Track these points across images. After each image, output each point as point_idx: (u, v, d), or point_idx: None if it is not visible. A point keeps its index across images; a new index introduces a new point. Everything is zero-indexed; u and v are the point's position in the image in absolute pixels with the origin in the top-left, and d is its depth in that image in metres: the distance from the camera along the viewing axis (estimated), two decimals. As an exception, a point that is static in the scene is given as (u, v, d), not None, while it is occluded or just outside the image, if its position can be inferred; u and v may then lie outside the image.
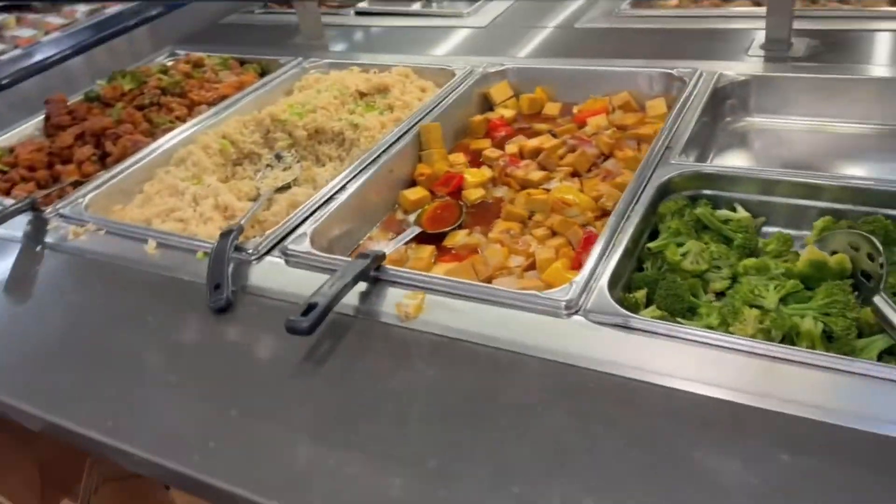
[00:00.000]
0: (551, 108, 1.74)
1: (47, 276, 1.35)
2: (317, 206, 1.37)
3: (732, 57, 1.70)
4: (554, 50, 1.94)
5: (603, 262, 1.09)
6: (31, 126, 1.96)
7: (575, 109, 1.71)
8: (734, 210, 1.23)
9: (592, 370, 0.92)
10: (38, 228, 1.46)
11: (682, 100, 1.51)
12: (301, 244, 1.26)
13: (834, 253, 1.05)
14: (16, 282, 1.35)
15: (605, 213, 1.32)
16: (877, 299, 0.94)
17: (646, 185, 1.25)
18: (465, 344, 1.01)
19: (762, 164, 1.47)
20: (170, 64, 2.19)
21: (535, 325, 1.01)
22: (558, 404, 0.89)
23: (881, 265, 0.98)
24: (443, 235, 1.37)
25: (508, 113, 1.74)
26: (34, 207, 1.50)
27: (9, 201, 1.57)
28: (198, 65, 2.12)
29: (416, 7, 2.48)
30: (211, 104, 1.95)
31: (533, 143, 1.57)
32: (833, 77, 1.53)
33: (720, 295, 1.11)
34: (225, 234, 1.25)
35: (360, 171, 1.47)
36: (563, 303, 1.02)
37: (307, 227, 1.30)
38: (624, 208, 1.20)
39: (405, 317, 1.06)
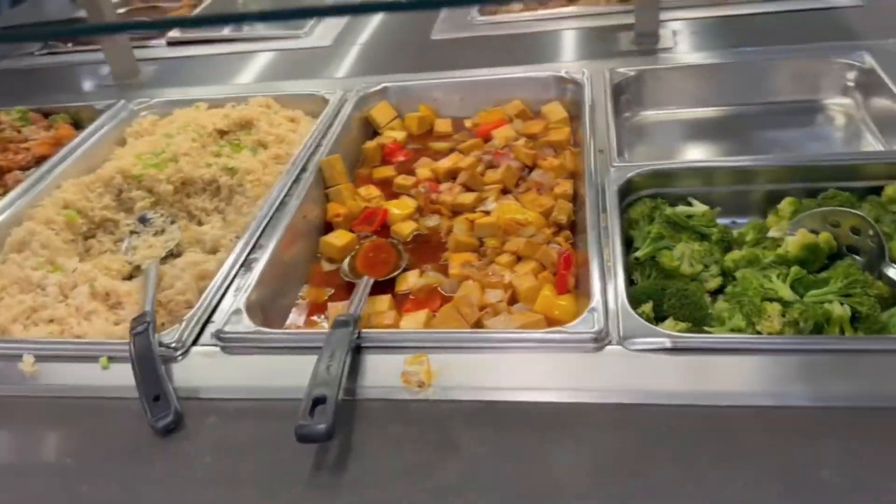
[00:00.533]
0: (442, 125, 1.62)
1: None
2: (233, 272, 1.12)
3: (607, 54, 1.71)
4: (420, 64, 1.81)
5: (609, 282, 0.99)
6: None
7: (468, 123, 1.61)
8: (690, 205, 1.21)
9: (675, 406, 0.82)
10: None
11: (585, 101, 1.48)
12: (239, 323, 1.01)
13: (814, 232, 1.06)
14: None
15: (560, 228, 1.24)
16: (890, 271, 0.95)
17: (602, 192, 1.19)
18: (503, 405, 0.85)
19: (673, 155, 1.47)
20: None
21: (570, 366, 0.89)
22: (687, 453, 0.76)
23: (874, 236, 1.00)
24: (389, 281, 1.19)
25: (399, 135, 1.59)
26: None
27: None
28: (-10, 122, 1.70)
29: (237, 32, 2.22)
30: (25, 168, 1.57)
31: (444, 164, 1.45)
32: (711, 63, 1.59)
33: (714, 294, 1.07)
34: (139, 330, 0.97)
35: (268, 223, 1.24)
36: (592, 335, 0.91)
37: (237, 301, 1.06)
38: (594, 219, 1.12)
39: (419, 386, 0.88)
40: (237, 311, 1.03)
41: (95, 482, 0.83)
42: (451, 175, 1.43)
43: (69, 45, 2.29)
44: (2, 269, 1.21)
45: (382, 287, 1.17)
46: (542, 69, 1.67)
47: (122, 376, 0.95)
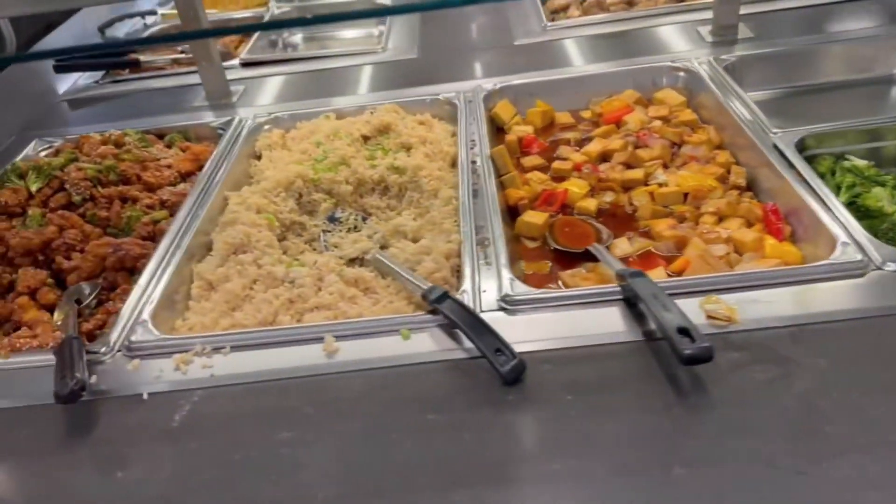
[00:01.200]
0: (562, 118, 1.74)
1: (192, 448, 0.96)
2: (474, 251, 1.20)
3: (694, 46, 1.88)
4: (520, 66, 1.93)
5: (840, 222, 1.13)
6: None
7: (587, 114, 1.74)
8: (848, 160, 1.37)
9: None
10: (114, 374, 1.05)
11: (709, 83, 1.63)
12: (520, 289, 1.09)
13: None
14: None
15: (741, 189, 1.37)
16: None
17: (779, 152, 1.33)
18: (815, 327, 0.97)
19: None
20: (53, 149, 1.72)
21: (849, 290, 1.02)
22: None
23: None
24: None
25: (528, 129, 1.69)
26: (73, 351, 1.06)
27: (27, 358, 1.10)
28: (118, 144, 1.69)
29: (308, 51, 2.28)
30: (173, 184, 1.58)
31: (594, 147, 1.56)
32: (802, 46, 1.78)
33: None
34: (436, 297, 1.03)
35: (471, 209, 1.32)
36: (857, 263, 1.04)
37: (503, 273, 1.13)
38: (788, 175, 1.26)
39: (726, 321, 0.99)
40: (511, 279, 1.11)
41: (472, 430, 0.89)
42: (602, 158, 1.54)
43: (126, 72, 2.29)
44: (233, 270, 1.24)
45: (584, 257, 1.27)
46: (643, 62, 1.81)
47: (425, 343, 1.02)
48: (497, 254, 1.18)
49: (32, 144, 1.80)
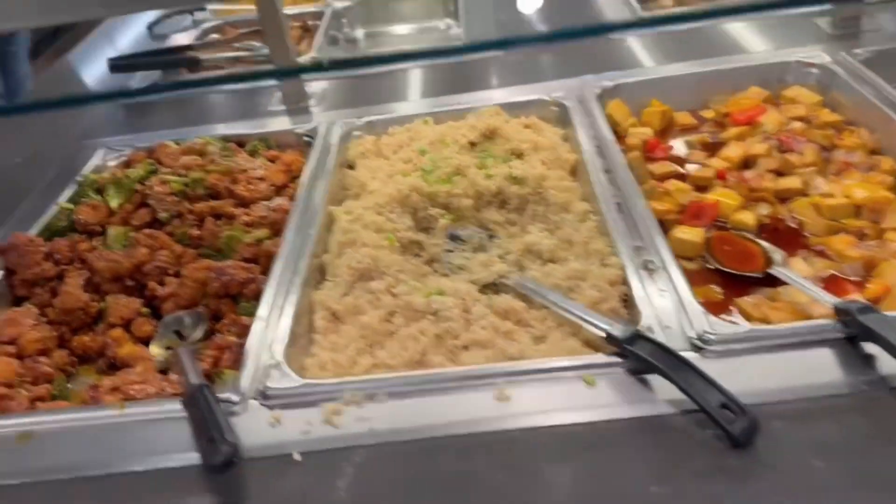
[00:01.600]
0: (682, 118, 1.59)
1: None
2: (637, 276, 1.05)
3: (813, 39, 1.72)
4: (619, 61, 1.78)
5: None
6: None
7: (708, 114, 1.59)
8: None
9: None
10: (253, 428, 0.90)
11: (844, 79, 1.48)
12: (721, 325, 0.95)
13: None
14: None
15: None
16: None
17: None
18: None
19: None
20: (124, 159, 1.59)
21: None
22: None
23: None
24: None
25: (647, 131, 1.54)
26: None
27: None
28: (201, 153, 1.55)
29: (381, 49, 2.13)
30: (267, 198, 1.44)
31: (734, 152, 1.41)
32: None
33: None
34: (628, 336, 0.89)
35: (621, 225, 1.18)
36: None
37: (686, 303, 0.98)
38: None
39: None
40: (705, 314, 0.96)
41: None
42: (743, 165, 1.39)
43: (182, 73, 2.14)
44: (362, 299, 1.10)
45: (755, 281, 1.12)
46: (765, 57, 1.66)
47: (614, 393, 0.88)
48: (673, 280, 1.03)
49: (101, 154, 1.66)
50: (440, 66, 1.94)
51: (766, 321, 1.02)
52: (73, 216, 1.39)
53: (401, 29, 2.48)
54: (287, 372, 0.98)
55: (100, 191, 1.44)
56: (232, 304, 1.24)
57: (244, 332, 1.16)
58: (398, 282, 1.12)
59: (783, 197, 1.30)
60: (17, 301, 1.29)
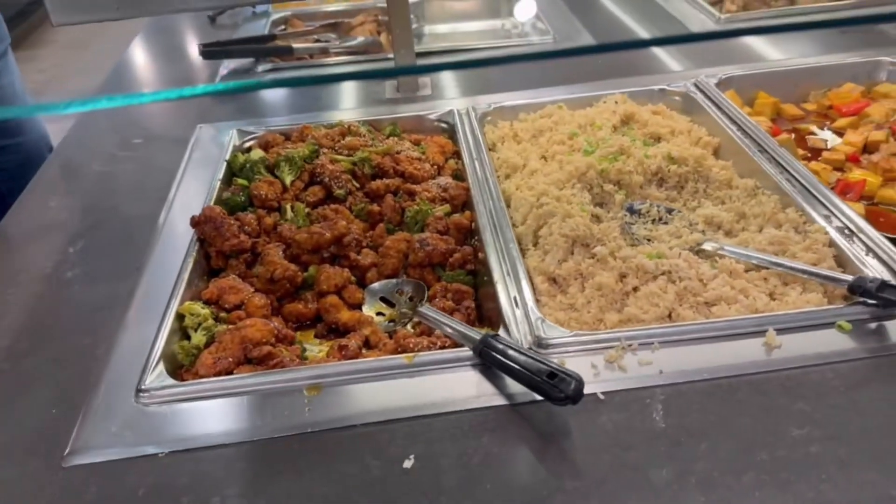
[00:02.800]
0: (790, 110, 1.73)
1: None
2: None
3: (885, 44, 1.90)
4: (715, 58, 1.91)
5: None
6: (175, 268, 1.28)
7: (810, 107, 1.74)
8: None
9: None
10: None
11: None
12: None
13: None
14: None
15: None
16: None
17: None
18: None
19: None
20: (259, 140, 1.61)
21: None
22: None
23: None
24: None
25: (764, 119, 1.68)
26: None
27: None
28: (355, 134, 1.59)
29: (477, 42, 2.20)
30: (432, 177, 1.50)
31: (856, 138, 1.56)
32: None
33: None
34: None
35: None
36: None
37: (897, 261, 1.11)
38: None
39: None
40: (920, 267, 1.09)
41: None
42: (864, 149, 1.55)
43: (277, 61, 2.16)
44: (585, 264, 1.18)
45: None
46: (858, 55, 1.83)
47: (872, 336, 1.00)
48: (874, 240, 1.16)
49: (234, 134, 1.67)
50: (537, 63, 2.03)
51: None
52: (251, 192, 1.41)
53: (466, 26, 2.56)
54: (552, 325, 1.05)
55: (270, 169, 1.47)
56: (433, 272, 1.29)
57: (461, 297, 1.22)
58: (618, 247, 1.20)
59: (923, 179, 1.45)
60: (213, 272, 1.31)
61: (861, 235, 1.18)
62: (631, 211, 1.37)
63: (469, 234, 1.36)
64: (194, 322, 1.13)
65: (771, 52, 1.93)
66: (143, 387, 0.99)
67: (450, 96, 1.86)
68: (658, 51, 2.01)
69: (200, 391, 0.99)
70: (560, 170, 1.43)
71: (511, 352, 0.93)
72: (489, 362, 0.96)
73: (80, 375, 1.03)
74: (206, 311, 1.15)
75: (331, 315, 1.22)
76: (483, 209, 1.34)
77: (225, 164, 1.54)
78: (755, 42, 2.00)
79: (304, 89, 1.98)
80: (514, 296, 1.12)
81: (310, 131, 1.61)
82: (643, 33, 2.16)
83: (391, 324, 1.22)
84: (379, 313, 1.25)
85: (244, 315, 1.17)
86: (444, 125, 1.70)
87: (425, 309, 1.14)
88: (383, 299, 1.28)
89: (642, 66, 1.92)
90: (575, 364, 0.99)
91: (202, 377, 1.03)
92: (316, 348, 1.19)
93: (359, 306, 1.26)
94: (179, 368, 1.09)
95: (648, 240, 1.30)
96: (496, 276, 1.16)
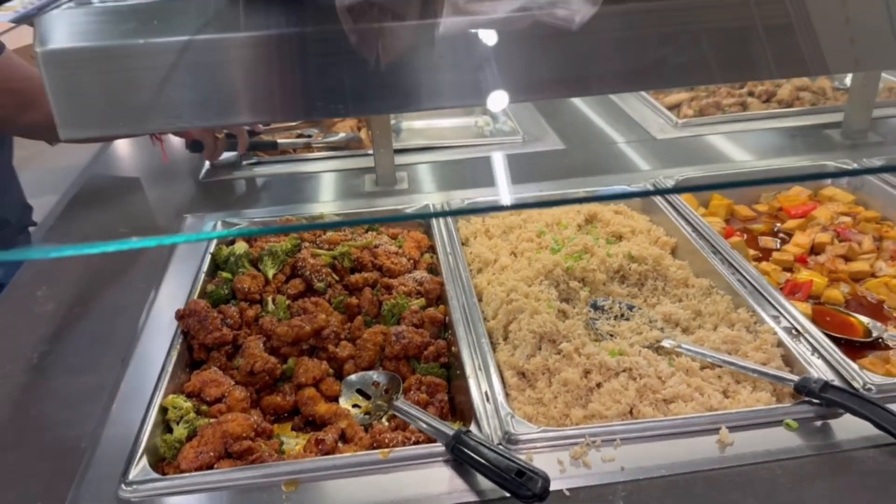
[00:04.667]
0: (742, 211, 1.86)
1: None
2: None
3: (828, 148, 2.07)
4: (675, 160, 2.05)
5: None
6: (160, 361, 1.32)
7: (761, 208, 1.87)
8: None
9: None
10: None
11: (871, 182, 1.81)
12: (868, 377, 1.16)
13: None
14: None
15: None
16: None
17: None
18: None
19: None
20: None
21: None
22: None
23: None
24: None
25: (717, 220, 1.80)
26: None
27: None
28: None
29: (451, 140, 2.33)
30: (408, 271, 1.58)
31: (803, 240, 1.68)
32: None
33: None
34: (814, 387, 1.09)
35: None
36: None
37: None
38: None
39: None
40: (862, 369, 1.18)
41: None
42: (810, 251, 1.67)
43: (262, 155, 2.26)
44: (552, 360, 1.25)
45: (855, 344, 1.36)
46: (806, 160, 1.98)
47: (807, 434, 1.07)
48: (820, 342, 1.25)
49: (215, 226, 1.75)
50: (504, 157, 2.16)
51: (890, 375, 1.25)
52: (234, 285, 1.47)
53: (441, 123, 2.70)
54: (521, 421, 1.11)
55: (254, 262, 1.54)
56: (408, 365, 1.35)
57: (434, 390, 1.28)
58: (583, 343, 1.28)
59: (856, 278, 1.57)
60: (195, 364, 1.35)
61: (807, 336, 1.28)
62: (595, 307, 1.45)
63: (443, 328, 1.43)
64: (177, 415, 1.17)
65: (729, 150, 2.08)
66: (126, 480, 1.02)
67: (426, 190, 1.96)
68: (624, 147, 2.16)
69: (182, 486, 1.02)
70: (528, 266, 1.52)
71: (482, 449, 0.99)
72: (461, 459, 1.02)
73: (64, 468, 1.06)
74: (188, 404, 1.19)
75: (308, 408, 1.27)
76: (456, 304, 1.41)
77: (209, 256, 1.60)
78: (714, 140, 2.16)
79: (285, 181, 2.07)
80: (485, 390, 1.18)
81: (291, 224, 1.70)
82: (609, 133, 2.31)
83: (367, 416, 1.26)
84: (355, 405, 1.30)
85: (225, 408, 1.21)
86: (419, 220, 1.79)
87: (400, 403, 1.19)
88: (359, 391, 1.33)
89: (608, 164, 2.06)
90: (543, 459, 1.05)
91: (184, 471, 1.07)
92: (293, 441, 1.23)
93: (336, 398, 1.31)
94: (161, 461, 1.12)
95: (611, 335, 1.38)
96: (468, 370, 1.22)
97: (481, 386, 1.19)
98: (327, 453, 1.13)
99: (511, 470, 0.94)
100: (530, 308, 1.36)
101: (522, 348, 1.30)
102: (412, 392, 1.28)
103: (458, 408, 1.26)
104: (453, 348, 1.32)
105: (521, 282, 1.46)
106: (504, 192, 1.92)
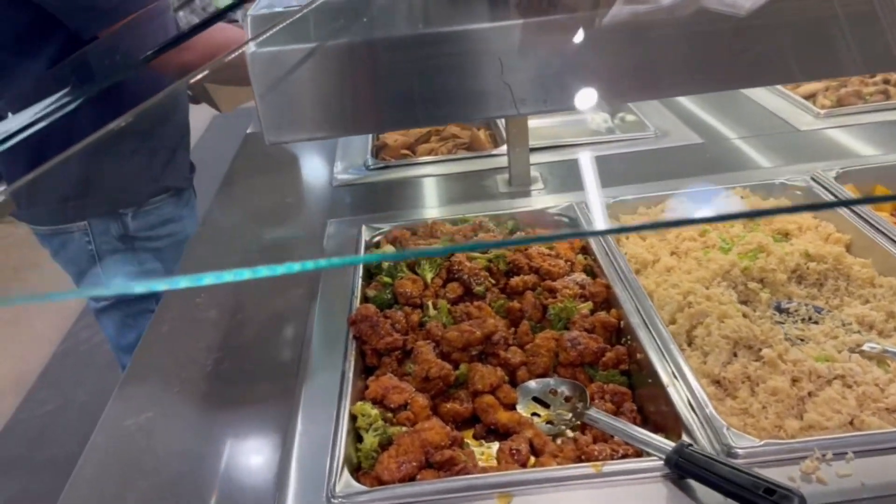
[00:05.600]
0: (909, 204, 1.73)
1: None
2: None
3: None
4: (822, 152, 1.94)
5: None
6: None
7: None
8: None
9: None
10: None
11: None
12: None
13: None
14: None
15: None
16: None
17: None
18: None
19: None
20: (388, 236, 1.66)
21: None
22: None
23: None
24: None
25: (884, 214, 1.68)
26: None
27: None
28: (485, 229, 1.63)
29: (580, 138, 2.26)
30: (567, 274, 1.52)
31: None
32: None
33: None
34: None
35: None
36: None
37: None
38: None
39: None
40: None
41: None
42: None
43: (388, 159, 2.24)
44: (752, 367, 1.17)
45: None
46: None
47: None
48: None
49: (365, 231, 1.73)
50: (640, 153, 2.08)
51: None
52: (396, 289, 1.44)
53: (550, 121, 2.63)
54: (739, 433, 1.03)
55: (410, 266, 1.51)
56: (584, 372, 1.29)
57: (620, 399, 1.22)
58: (785, 349, 1.20)
59: None
60: (368, 370, 1.33)
61: None
62: (779, 310, 1.36)
63: (615, 333, 1.36)
64: (366, 423, 1.15)
65: (860, 147, 1.95)
66: (335, 494, 0.99)
67: (564, 189, 1.90)
68: (767, 140, 2.05)
69: (391, 497, 0.99)
70: (700, 267, 1.44)
71: (717, 465, 0.92)
72: (688, 474, 0.95)
73: (263, 479, 1.04)
74: (375, 411, 1.16)
75: (489, 416, 1.22)
76: (631, 307, 1.34)
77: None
78: (840, 135, 2.03)
79: (413, 183, 2.04)
80: (687, 399, 1.11)
81: (439, 227, 1.66)
82: (745, 126, 2.19)
83: (549, 426, 1.21)
84: (534, 414, 1.25)
85: (412, 416, 1.18)
86: (564, 219, 1.73)
87: (595, 413, 1.14)
88: (535, 399, 1.27)
89: (753, 158, 1.96)
90: (769, 475, 0.97)
91: (385, 482, 1.04)
92: (478, 450, 1.19)
93: (513, 405, 1.26)
94: (356, 470, 1.09)
95: (801, 339, 1.29)
96: (664, 378, 1.16)
97: (681, 394, 1.12)
98: (522, 464, 1.08)
99: (758, 487, 0.86)
100: (717, 312, 1.28)
101: (715, 355, 1.22)
102: (597, 402, 1.22)
103: (651, 418, 1.19)
104: (639, 355, 1.25)
105: (697, 283, 1.38)
106: (642, 188, 1.84)
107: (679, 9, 1.05)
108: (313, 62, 0.90)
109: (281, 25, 0.90)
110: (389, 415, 1.18)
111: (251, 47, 0.86)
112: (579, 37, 1.00)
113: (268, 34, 0.90)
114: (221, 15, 0.91)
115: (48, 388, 3.63)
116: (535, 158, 2.08)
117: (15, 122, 0.84)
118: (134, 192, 1.93)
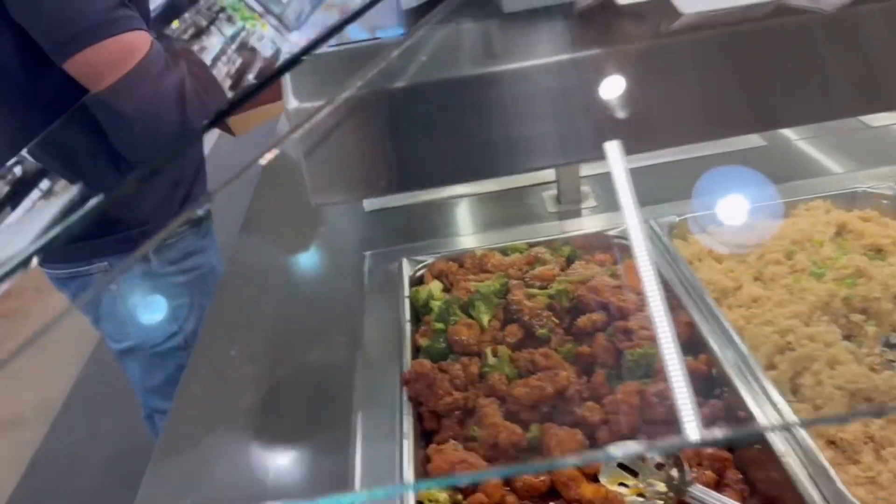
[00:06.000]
0: None
1: None
2: None
3: None
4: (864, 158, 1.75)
5: None
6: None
7: None
8: None
9: None
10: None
11: None
12: None
13: None
14: None
15: None
16: None
17: None
18: None
19: None
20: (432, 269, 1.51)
21: None
22: None
23: None
24: None
25: None
26: None
27: None
28: (541, 261, 1.47)
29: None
30: (640, 309, 1.35)
31: None
32: None
33: None
34: None
35: None
36: None
37: None
38: None
39: None
40: None
41: None
42: None
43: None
44: (875, 425, 1.01)
45: None
46: None
47: None
48: None
49: (405, 264, 1.58)
50: (697, 159, 1.91)
51: None
52: (450, 337, 1.29)
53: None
54: (876, 514, 0.87)
55: (464, 308, 1.35)
56: (671, 430, 1.14)
57: (722, 465, 1.06)
58: (911, 403, 1.03)
59: None
60: (426, 435, 1.18)
61: None
62: (888, 346, 1.20)
63: (705, 383, 1.20)
64: (435, 510, 1.00)
65: None
66: None
67: (616, 207, 1.73)
68: (809, 148, 1.86)
69: None
70: (794, 297, 1.27)
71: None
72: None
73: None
74: (443, 495, 1.02)
75: (571, 490, 1.07)
76: (721, 353, 1.18)
77: (407, 301, 1.43)
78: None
79: (449, 205, 1.88)
80: (806, 467, 0.95)
81: (489, 259, 1.50)
82: (809, 126, 2.01)
83: (641, 500, 1.06)
84: (620, 483, 1.10)
85: (485, 499, 1.03)
86: (626, 242, 1.57)
87: (700, 492, 0.98)
88: (621, 465, 1.12)
89: (821, 162, 1.78)
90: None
91: (465, 586, 0.89)
92: (559, 532, 1.04)
93: (595, 476, 1.11)
94: (427, 570, 0.94)
95: (916, 379, 1.13)
96: (780, 447, 0.99)
97: (800, 463, 0.96)
98: (619, 552, 0.93)
99: None
100: (825, 357, 1.12)
101: (828, 410, 1.06)
102: (693, 467, 1.06)
103: (758, 488, 1.03)
104: (741, 413, 1.09)
105: (796, 319, 1.22)
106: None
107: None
108: (362, 113, 0.75)
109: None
110: (459, 497, 1.04)
111: (292, 101, 0.71)
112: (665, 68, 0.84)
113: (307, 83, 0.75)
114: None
115: (73, 416, 3.54)
116: (583, 171, 1.92)
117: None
118: (155, 227, 1.79)
